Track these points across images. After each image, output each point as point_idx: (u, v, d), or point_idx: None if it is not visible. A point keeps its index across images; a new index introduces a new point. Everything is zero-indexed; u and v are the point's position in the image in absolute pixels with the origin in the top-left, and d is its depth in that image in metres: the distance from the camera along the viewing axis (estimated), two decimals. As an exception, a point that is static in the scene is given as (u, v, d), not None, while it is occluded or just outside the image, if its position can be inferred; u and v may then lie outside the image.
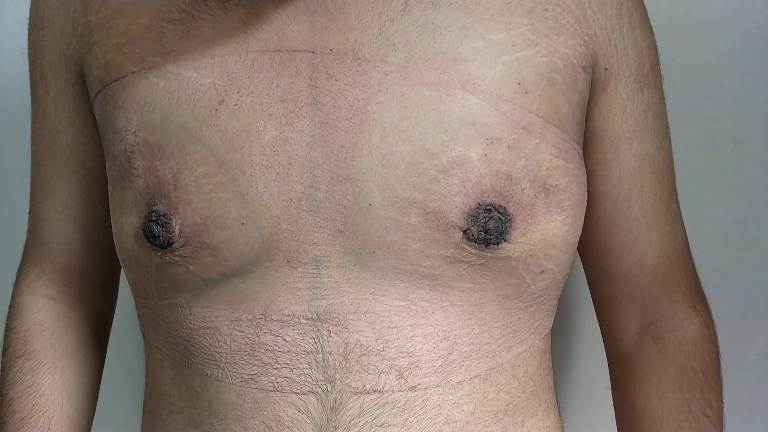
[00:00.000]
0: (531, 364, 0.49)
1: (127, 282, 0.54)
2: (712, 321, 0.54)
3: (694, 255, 0.55)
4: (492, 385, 0.47)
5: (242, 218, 0.44)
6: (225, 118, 0.44)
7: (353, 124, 0.43)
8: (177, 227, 0.45)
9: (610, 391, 0.59)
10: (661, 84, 0.52)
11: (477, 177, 0.43)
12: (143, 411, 0.54)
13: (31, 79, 0.55)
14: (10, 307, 0.58)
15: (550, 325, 0.52)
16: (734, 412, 0.63)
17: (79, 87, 0.52)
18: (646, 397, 0.54)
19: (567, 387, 0.74)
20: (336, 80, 0.44)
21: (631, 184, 0.51)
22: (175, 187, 0.44)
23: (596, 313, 0.58)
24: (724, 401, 0.53)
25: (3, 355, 0.57)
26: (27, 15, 0.68)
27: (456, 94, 0.43)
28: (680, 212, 0.54)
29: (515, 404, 0.48)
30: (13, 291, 0.59)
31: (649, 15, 0.52)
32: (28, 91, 0.68)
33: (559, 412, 0.54)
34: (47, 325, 0.56)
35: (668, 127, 0.53)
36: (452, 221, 0.43)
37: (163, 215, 0.45)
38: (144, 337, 0.53)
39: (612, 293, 0.55)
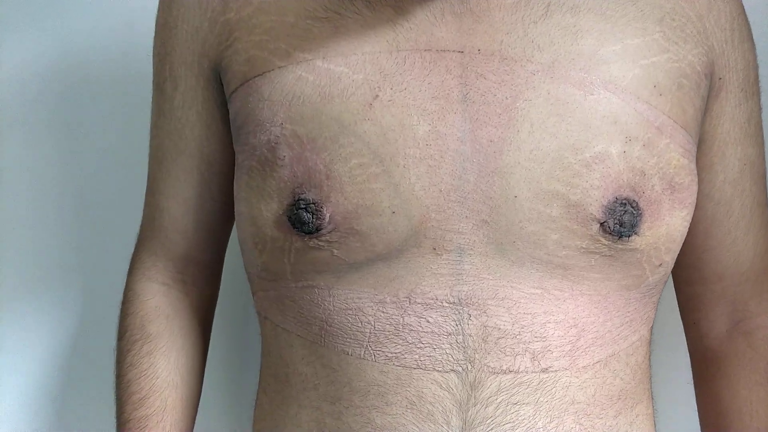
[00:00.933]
0: (640, 353, 0.53)
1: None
2: None
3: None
4: (610, 371, 0.50)
5: (394, 207, 0.47)
6: (379, 113, 0.47)
7: (502, 120, 0.46)
8: (328, 214, 0.47)
9: (692, 386, 0.62)
10: (759, 95, 0.56)
11: (616, 172, 0.46)
12: (261, 389, 0.57)
13: (157, 75, 0.58)
14: (125, 293, 0.61)
15: (654, 318, 0.55)
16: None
17: (211, 83, 0.55)
18: (734, 391, 0.56)
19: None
20: (485, 79, 0.47)
21: (734, 187, 0.55)
22: (328, 177, 0.47)
23: (681, 311, 0.61)
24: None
25: (120, 339, 0.59)
26: (33, 23, 0.71)
27: (599, 93, 0.47)
28: None
29: (627, 390, 0.51)
30: (128, 278, 0.61)
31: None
32: (27, 95, 0.71)
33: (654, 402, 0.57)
34: (163, 310, 0.59)
35: (763, 136, 0.57)
36: (591, 213, 0.46)
37: (314, 203, 0.47)
38: (266, 319, 0.55)
39: (702, 292, 0.58)
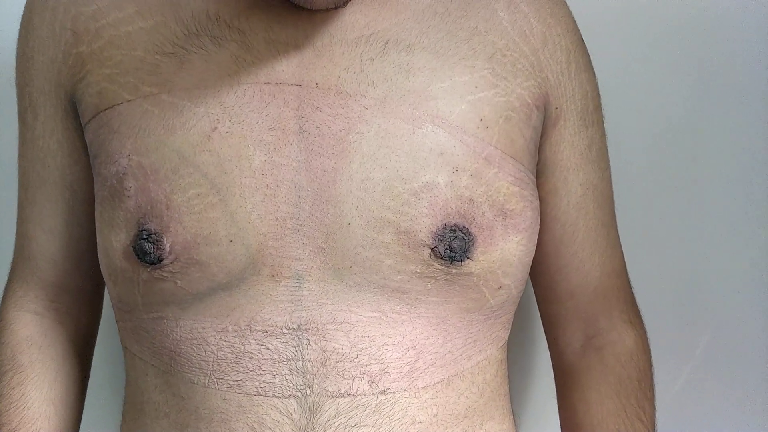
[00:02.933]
0: (489, 371, 0.54)
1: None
2: (645, 334, 0.60)
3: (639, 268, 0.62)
4: (453, 390, 0.52)
5: (231, 236, 0.48)
6: (217, 144, 0.48)
7: (335, 151, 0.48)
8: (168, 244, 0.48)
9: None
10: (602, 122, 0.59)
11: (444, 200, 0.48)
12: (123, 419, 0.57)
13: (19, 105, 0.58)
14: None
15: (506, 337, 0.57)
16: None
17: (69, 112, 0.55)
18: (587, 403, 0.59)
19: (524, 395, 0.79)
20: (320, 111, 0.49)
21: (578, 210, 0.57)
22: (168, 207, 0.48)
23: (544, 329, 0.64)
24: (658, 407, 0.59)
25: None
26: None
27: (426, 127, 0.49)
28: (618, 236, 0.61)
29: (474, 408, 0.53)
30: None
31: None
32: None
33: (513, 417, 0.59)
34: (34, 340, 0.58)
35: (608, 161, 0.60)
36: (422, 240, 0.48)
37: (155, 233, 0.48)
38: (126, 348, 0.56)
39: (558, 310, 0.61)
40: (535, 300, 0.64)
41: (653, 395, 0.58)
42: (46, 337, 0.59)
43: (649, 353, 0.60)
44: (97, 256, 0.61)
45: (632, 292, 0.61)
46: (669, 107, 0.75)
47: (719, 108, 0.74)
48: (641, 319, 0.61)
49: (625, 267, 0.61)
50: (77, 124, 0.56)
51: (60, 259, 0.59)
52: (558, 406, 0.63)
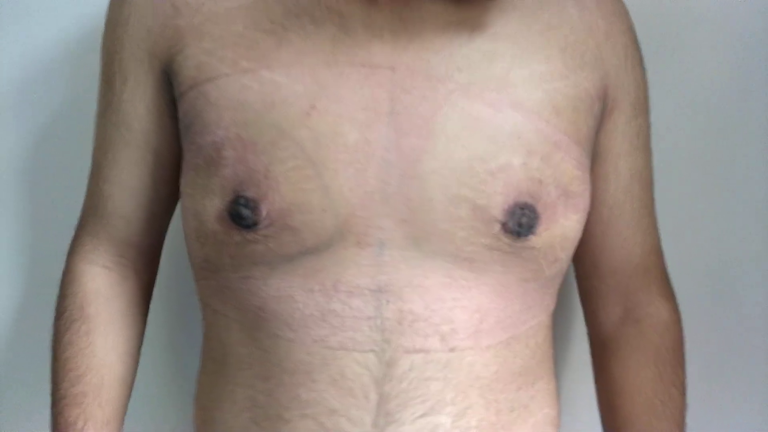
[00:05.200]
0: (539, 335, 0.60)
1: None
2: (678, 308, 0.66)
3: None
4: (511, 351, 0.57)
5: (324, 206, 0.52)
6: (315, 121, 0.52)
7: (422, 131, 0.53)
8: (264, 211, 0.52)
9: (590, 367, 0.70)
10: (649, 112, 0.64)
11: (517, 180, 0.53)
12: (202, 370, 0.61)
13: (106, 69, 0.61)
14: (64, 274, 0.64)
15: (554, 306, 0.63)
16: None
17: (160, 81, 0.58)
18: (625, 370, 0.65)
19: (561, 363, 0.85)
20: (410, 94, 0.53)
21: (625, 194, 0.63)
22: (266, 177, 0.52)
23: (582, 302, 0.69)
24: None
25: (58, 319, 0.62)
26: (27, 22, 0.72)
27: (507, 112, 0.53)
28: (656, 218, 0.66)
29: (527, 368, 0.59)
30: (68, 259, 0.64)
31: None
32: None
33: (556, 379, 0.65)
34: (102, 292, 0.62)
35: (651, 148, 0.65)
36: (494, 215, 0.53)
37: (252, 200, 0.52)
38: (207, 305, 0.60)
39: (599, 285, 0.66)
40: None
41: (684, 364, 0.64)
42: (112, 290, 0.63)
43: (681, 325, 0.66)
44: (166, 218, 0.66)
45: (666, 270, 0.67)
46: (708, 96, 0.77)
47: (757, 100, 0.77)
48: (674, 294, 0.66)
49: (661, 246, 0.67)
50: (167, 93, 0.59)
51: (133, 218, 0.63)
52: (594, 374, 0.68)
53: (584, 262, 0.66)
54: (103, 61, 0.61)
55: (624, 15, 0.61)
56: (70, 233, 0.66)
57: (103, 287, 0.63)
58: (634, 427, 0.63)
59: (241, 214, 0.53)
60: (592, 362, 0.69)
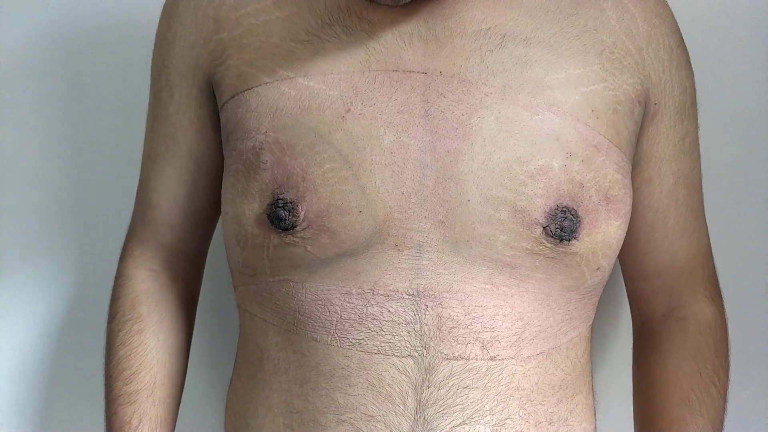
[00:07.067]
0: (579, 348, 0.58)
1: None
2: (724, 312, 0.64)
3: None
4: (552, 362, 0.56)
5: (361, 207, 0.53)
6: (351, 124, 0.53)
7: (458, 133, 0.53)
8: (302, 212, 0.53)
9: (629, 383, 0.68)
10: (696, 116, 0.63)
11: (557, 183, 0.52)
12: (236, 374, 0.62)
13: (155, 84, 0.64)
14: (116, 279, 0.66)
15: (593, 318, 0.61)
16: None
17: (204, 93, 0.61)
18: (664, 363, 0.63)
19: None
20: (444, 97, 0.53)
21: (669, 198, 0.61)
22: (303, 179, 0.53)
23: (629, 300, 0.68)
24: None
25: (111, 321, 0.64)
26: (23, 30, 0.75)
27: (544, 114, 0.53)
28: (705, 220, 0.64)
29: (567, 381, 0.57)
30: (119, 264, 0.67)
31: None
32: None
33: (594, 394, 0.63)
34: (152, 294, 0.64)
35: (699, 151, 0.63)
36: (535, 218, 0.52)
37: (290, 202, 0.53)
38: (244, 310, 0.61)
39: (644, 286, 0.65)
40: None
41: (728, 366, 0.62)
42: (161, 292, 0.65)
43: (726, 328, 0.64)
44: (210, 226, 0.67)
45: (716, 274, 0.65)
46: (709, 96, 0.75)
47: (757, 100, 0.76)
48: (722, 298, 0.64)
49: (711, 249, 0.65)
50: (209, 104, 0.61)
51: (179, 225, 0.65)
52: (633, 367, 0.67)
53: (630, 265, 0.65)
54: (153, 75, 0.64)
55: (668, 17, 0.59)
56: (120, 239, 0.68)
57: (153, 288, 0.65)
58: (666, 419, 0.61)
59: (280, 216, 0.53)
60: (633, 356, 0.68)
